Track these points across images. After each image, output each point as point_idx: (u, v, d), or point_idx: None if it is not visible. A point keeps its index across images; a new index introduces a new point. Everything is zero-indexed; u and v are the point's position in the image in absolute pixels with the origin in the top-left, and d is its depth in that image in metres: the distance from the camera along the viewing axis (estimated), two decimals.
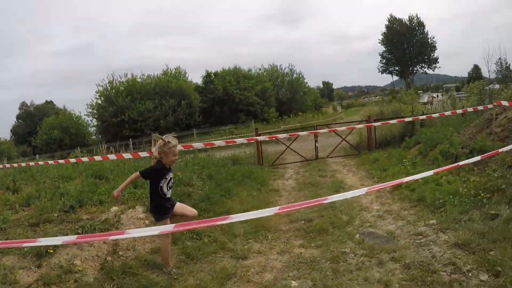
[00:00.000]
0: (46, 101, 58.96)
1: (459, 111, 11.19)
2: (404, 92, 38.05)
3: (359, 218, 5.74)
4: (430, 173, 4.69)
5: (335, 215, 5.90)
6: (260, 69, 44.82)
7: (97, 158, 7.89)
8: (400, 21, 59.75)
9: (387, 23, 60.29)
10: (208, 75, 38.29)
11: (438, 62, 58.86)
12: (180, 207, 4.33)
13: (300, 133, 9.58)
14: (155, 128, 31.77)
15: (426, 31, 59.37)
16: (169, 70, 38.25)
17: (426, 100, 35.65)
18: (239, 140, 8.94)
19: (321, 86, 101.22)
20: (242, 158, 13.24)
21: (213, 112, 35.65)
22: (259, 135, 13.74)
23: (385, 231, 5.00)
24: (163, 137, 3.97)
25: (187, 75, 40.69)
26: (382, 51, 60.71)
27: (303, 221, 5.85)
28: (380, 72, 61.81)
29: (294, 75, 44.65)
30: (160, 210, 4.06)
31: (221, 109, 35.44)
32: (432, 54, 58.78)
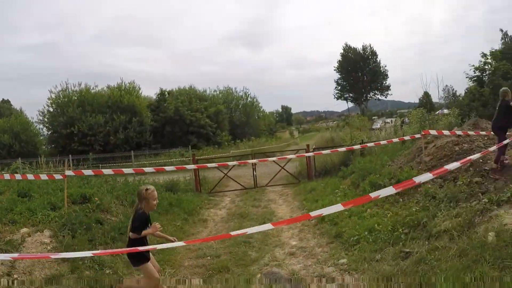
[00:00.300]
0: (2, 99, 55.50)
1: (383, 142, 11.32)
2: (356, 118, 38.91)
3: (269, 255, 5.42)
4: (338, 206, 4.33)
5: (244, 252, 5.56)
6: (215, 91, 44.17)
7: (18, 176, 7.87)
8: (354, 50, 61.91)
9: (342, 51, 62.34)
10: (162, 93, 36.91)
11: (390, 89, 61.46)
12: (154, 262, 4.32)
13: (230, 162, 9.16)
14: (104, 144, 30.57)
15: (378, 60, 61.86)
16: (123, 84, 36.01)
17: (379, 126, 36.69)
18: (168, 168, 8.68)
19: (280, 110, 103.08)
20: (180, 183, 12.66)
21: (165, 132, 34.12)
22: (196, 162, 13.70)
23: (290, 271, 4.65)
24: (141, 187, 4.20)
25: (141, 91, 38.87)
26: (337, 78, 62.25)
27: (209, 257, 5.56)
28: (335, 98, 63.42)
29: (249, 99, 44.29)
30: (142, 255, 3.99)
31: (173, 129, 33.92)
32: (384, 82, 61.13)
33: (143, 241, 3.98)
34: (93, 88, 34.74)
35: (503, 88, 7.19)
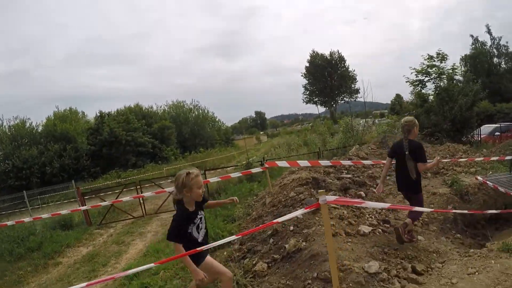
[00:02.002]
0: None
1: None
2: (318, 122, 37.55)
3: None
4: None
5: None
6: (165, 105, 45.20)
7: None
8: (322, 56, 61.26)
9: (309, 57, 61.61)
10: (101, 115, 37.01)
11: (359, 92, 60.78)
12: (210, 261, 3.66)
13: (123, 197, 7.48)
14: (41, 175, 30.64)
15: (347, 65, 61.37)
16: (59, 111, 36.78)
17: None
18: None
19: (254, 116, 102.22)
20: (75, 218, 12.61)
21: (102, 155, 34.00)
22: (82, 196, 13.21)
23: None
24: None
25: (80, 115, 40.01)
26: (305, 84, 61.37)
27: None
28: (304, 103, 62.38)
29: (200, 111, 44.96)
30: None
31: (109, 151, 33.98)
32: (353, 86, 60.55)
33: (190, 242, 3.33)
34: (26, 119, 35.15)
35: (406, 118, 5.34)
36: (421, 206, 5.23)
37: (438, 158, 5.58)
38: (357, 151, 10.77)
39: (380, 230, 6.20)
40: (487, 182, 8.20)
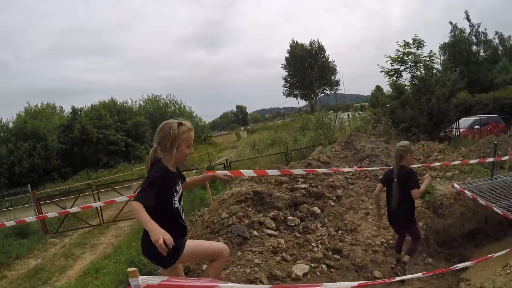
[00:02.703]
0: None
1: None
2: (296, 117, 36.08)
3: None
4: None
5: None
6: (140, 99, 43.20)
7: None
8: (301, 46, 59.72)
9: (289, 48, 59.97)
10: (73, 111, 34.87)
11: (339, 84, 59.43)
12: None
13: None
14: (10, 175, 29.08)
15: (327, 55, 59.93)
16: (30, 107, 34.74)
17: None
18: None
19: (235, 110, 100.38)
20: (33, 226, 12.21)
21: (74, 154, 32.07)
22: (38, 201, 12.75)
23: None
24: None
25: (58, 110, 38.08)
26: (285, 75, 59.78)
27: None
28: (285, 96, 60.79)
29: (176, 106, 43.18)
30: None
31: (81, 150, 32.02)
32: (333, 77, 59.20)
33: (175, 220, 2.50)
34: None
35: (401, 143, 4.86)
36: (419, 238, 4.83)
37: (429, 176, 4.94)
38: (319, 154, 9.36)
39: (323, 266, 4.78)
40: (465, 191, 6.82)
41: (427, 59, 16.31)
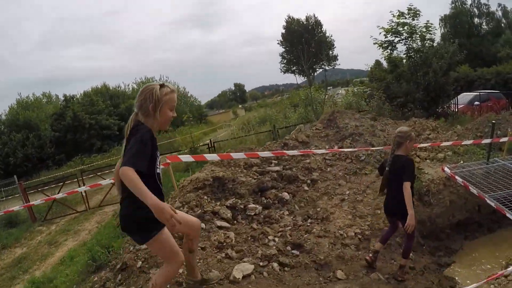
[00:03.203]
0: None
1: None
2: (293, 92, 35.06)
3: None
4: None
5: None
6: (133, 82, 43.16)
7: None
8: (298, 21, 57.85)
9: (285, 23, 58.05)
10: (65, 99, 34.84)
11: (337, 59, 58.04)
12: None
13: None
14: (5, 166, 29.59)
15: (324, 30, 58.13)
16: (21, 99, 36.12)
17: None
18: None
19: (233, 88, 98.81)
20: (21, 215, 12.33)
21: (67, 141, 32.06)
22: (25, 191, 12.77)
23: None
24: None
25: (54, 99, 38.12)
26: (281, 52, 58.15)
27: None
28: (282, 73, 59.22)
29: None
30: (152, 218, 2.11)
31: (74, 137, 32.04)
32: (331, 52, 57.54)
33: (155, 187, 2.31)
34: None
35: (401, 128, 4.28)
36: (414, 235, 4.14)
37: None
38: (297, 132, 8.48)
39: (274, 265, 4.00)
40: (456, 177, 5.95)
41: (424, 30, 15.14)
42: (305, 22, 56.56)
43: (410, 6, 15.02)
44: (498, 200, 4.99)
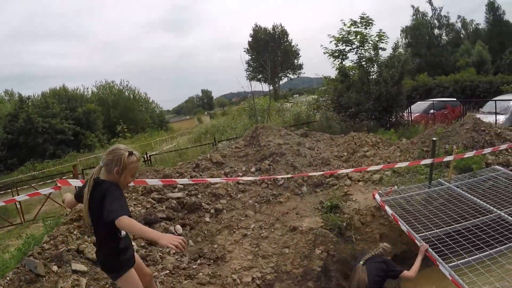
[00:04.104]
0: None
1: None
2: (249, 101, 34.08)
3: None
4: None
5: None
6: (93, 85, 40.86)
7: None
8: (264, 30, 57.57)
9: (251, 32, 57.61)
10: (21, 99, 32.72)
11: (302, 68, 58.00)
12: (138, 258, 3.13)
13: None
14: None
15: (290, 39, 58.09)
16: None
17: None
18: None
19: (200, 94, 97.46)
20: None
21: (20, 144, 30.14)
22: None
23: None
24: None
25: (17, 97, 35.51)
26: (248, 60, 57.46)
27: None
28: (248, 80, 58.38)
29: (131, 92, 41.11)
30: (119, 261, 2.69)
31: (26, 140, 30.04)
32: (296, 61, 57.42)
33: (115, 239, 2.65)
34: None
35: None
36: None
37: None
38: (213, 152, 7.30)
39: None
40: (386, 207, 4.93)
41: (376, 38, 14.38)
42: (271, 31, 56.37)
43: (362, 15, 14.27)
44: (430, 242, 3.98)
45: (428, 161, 5.52)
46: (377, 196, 5.25)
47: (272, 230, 5.22)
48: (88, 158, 26.27)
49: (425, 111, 16.43)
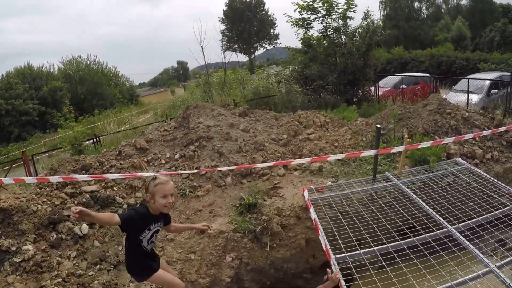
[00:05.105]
0: None
1: None
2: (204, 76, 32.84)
3: None
4: None
5: None
6: (60, 62, 39.19)
7: None
8: None
9: (227, 1, 55.23)
10: None
11: (278, 38, 56.31)
12: (166, 267, 3.35)
13: None
14: None
15: (266, 8, 56.11)
16: None
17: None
18: None
19: (176, 66, 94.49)
20: None
21: None
22: None
23: None
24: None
25: None
26: (223, 29, 55.36)
27: None
28: (223, 50, 56.49)
29: (98, 66, 39.57)
30: (140, 269, 3.00)
31: None
32: (272, 31, 55.73)
33: (137, 251, 2.88)
34: None
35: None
36: None
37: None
38: (140, 136, 6.23)
39: None
40: (311, 209, 4.01)
41: (345, 7, 13.22)
42: (247, 0, 54.11)
43: None
44: (346, 269, 3.07)
45: (370, 152, 4.57)
46: (305, 193, 4.32)
47: (179, 232, 4.35)
48: (53, 138, 24.88)
49: (395, 86, 15.49)
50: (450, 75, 23.67)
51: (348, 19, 13.45)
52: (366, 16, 13.64)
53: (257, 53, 61.74)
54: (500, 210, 3.97)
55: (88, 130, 17.65)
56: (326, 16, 13.31)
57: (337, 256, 3.22)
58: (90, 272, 3.95)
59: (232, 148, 5.55)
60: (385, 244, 3.36)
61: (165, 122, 12.28)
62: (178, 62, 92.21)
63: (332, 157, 4.59)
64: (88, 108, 36.18)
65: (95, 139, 12.66)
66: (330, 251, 3.27)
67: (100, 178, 4.95)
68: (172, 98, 28.77)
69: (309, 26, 13.61)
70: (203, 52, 13.77)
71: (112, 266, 4.05)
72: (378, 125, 4.49)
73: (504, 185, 4.58)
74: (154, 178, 2.88)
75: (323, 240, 3.43)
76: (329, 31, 13.41)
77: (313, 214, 3.84)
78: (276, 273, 4.25)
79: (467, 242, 3.29)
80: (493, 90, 12.02)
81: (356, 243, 3.41)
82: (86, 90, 38.80)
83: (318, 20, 13.50)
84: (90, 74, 41.55)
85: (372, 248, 3.28)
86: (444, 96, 14.07)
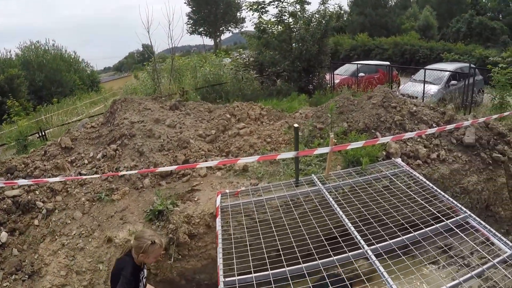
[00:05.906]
0: None
1: None
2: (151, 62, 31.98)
3: None
4: None
5: None
6: (17, 47, 37.09)
7: None
8: None
9: None
10: None
11: (244, 22, 55.10)
12: None
13: None
14: None
15: None
16: None
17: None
18: None
19: (141, 49, 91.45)
20: None
21: None
22: None
23: None
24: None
25: None
26: (188, 12, 53.77)
27: None
28: (189, 33, 55.10)
29: (57, 51, 37.63)
30: None
31: None
32: (239, 14, 54.45)
33: None
34: None
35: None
36: None
37: None
38: (66, 134, 5.66)
39: None
40: (218, 217, 3.63)
41: None
42: None
43: None
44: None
45: (288, 154, 4.16)
46: (218, 199, 3.93)
47: (90, 240, 4.07)
48: (11, 130, 23.39)
49: (353, 74, 15.24)
50: (414, 64, 23.74)
51: (305, 3, 13.02)
52: (324, 1, 13.21)
53: (223, 36, 60.47)
54: (430, 228, 3.41)
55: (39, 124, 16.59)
56: (282, 0, 12.83)
57: (227, 279, 2.84)
58: (5, 283, 3.82)
59: (154, 146, 5.09)
60: (284, 267, 2.95)
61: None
62: (143, 45, 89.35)
63: (243, 160, 4.16)
64: (47, 96, 34.75)
65: (39, 134, 11.72)
66: (221, 273, 2.89)
67: (40, 182, 4.43)
68: (127, 84, 27.63)
69: (263, 10, 13.09)
70: (150, 38, 13.08)
71: (27, 276, 3.85)
72: (296, 125, 4.04)
73: (443, 194, 4.06)
74: (154, 243, 2.93)
75: (219, 257, 3.05)
76: (285, 15, 12.95)
77: (218, 224, 3.47)
78: (188, 284, 3.90)
79: (382, 269, 2.89)
80: (452, 82, 11.84)
81: (251, 264, 3.03)
82: (44, 77, 37.13)
83: (274, 4, 13.00)
84: (49, 60, 39.79)
85: (268, 272, 2.89)
86: (402, 86, 14.01)
